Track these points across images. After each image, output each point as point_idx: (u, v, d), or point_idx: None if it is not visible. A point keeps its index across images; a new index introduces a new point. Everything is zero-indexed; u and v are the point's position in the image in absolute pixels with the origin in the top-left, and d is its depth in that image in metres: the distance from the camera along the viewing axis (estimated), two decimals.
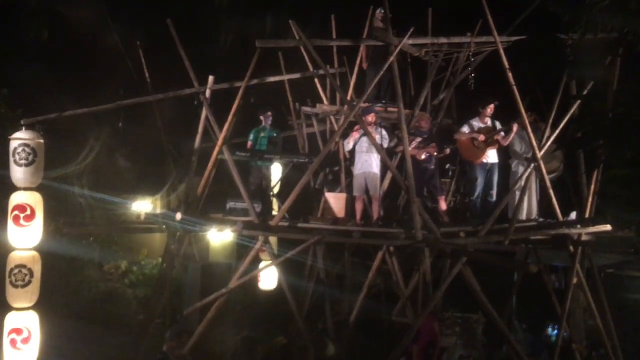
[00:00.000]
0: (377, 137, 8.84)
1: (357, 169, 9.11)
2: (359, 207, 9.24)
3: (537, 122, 9.40)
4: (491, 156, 9.29)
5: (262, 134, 10.13)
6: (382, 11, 9.23)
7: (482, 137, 9.16)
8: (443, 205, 9.35)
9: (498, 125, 9.28)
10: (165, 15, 9.23)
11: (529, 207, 9.45)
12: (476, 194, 9.34)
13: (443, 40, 9.65)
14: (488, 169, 9.33)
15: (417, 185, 8.43)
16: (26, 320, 6.49)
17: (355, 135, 9.08)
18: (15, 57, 11.23)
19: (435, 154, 9.14)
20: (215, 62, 12.26)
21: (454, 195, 10.88)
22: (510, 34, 9.48)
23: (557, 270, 11.78)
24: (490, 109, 9.26)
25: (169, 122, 10.35)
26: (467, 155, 9.44)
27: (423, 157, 9.06)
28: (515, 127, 9.12)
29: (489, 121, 9.29)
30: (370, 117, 8.97)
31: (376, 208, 9.10)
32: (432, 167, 9.19)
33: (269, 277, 9.93)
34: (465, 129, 9.33)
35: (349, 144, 9.22)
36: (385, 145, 9.06)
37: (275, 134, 10.23)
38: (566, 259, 9.62)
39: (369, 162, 8.99)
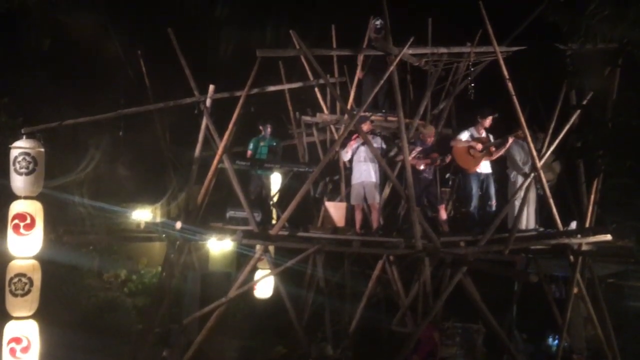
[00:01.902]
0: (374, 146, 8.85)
1: (355, 178, 9.12)
2: (358, 216, 9.24)
3: (536, 132, 9.41)
4: (484, 167, 9.29)
5: (262, 143, 10.15)
6: (378, 22, 9.25)
7: (479, 146, 9.17)
8: (443, 215, 9.34)
9: (491, 138, 9.28)
10: (165, 25, 9.27)
11: (527, 218, 9.44)
12: (472, 204, 9.35)
13: (443, 50, 9.66)
14: (482, 179, 9.32)
15: (416, 194, 8.44)
16: (26, 329, 6.49)
17: (352, 144, 9.09)
18: (17, 66, 11.25)
19: (437, 163, 9.13)
20: (215, 71, 12.30)
21: (454, 205, 10.87)
22: (510, 44, 9.50)
23: (557, 280, 11.74)
24: (489, 120, 9.27)
25: (169, 131, 10.37)
26: (462, 164, 9.43)
27: (422, 167, 9.07)
28: (510, 141, 9.12)
29: (483, 132, 9.30)
30: (365, 127, 8.96)
31: (375, 217, 9.10)
32: (431, 177, 9.19)
33: (264, 286, 9.91)
34: (463, 136, 9.33)
35: (347, 154, 9.24)
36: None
37: (275, 143, 10.24)
38: (566, 269, 9.61)
39: (367, 172, 9.00)
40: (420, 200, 8.93)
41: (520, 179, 9.44)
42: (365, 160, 8.98)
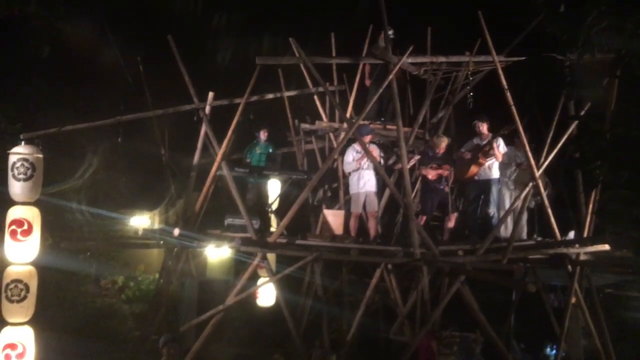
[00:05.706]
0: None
1: (359, 187, 9.12)
2: (355, 224, 9.23)
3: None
4: (483, 173, 9.29)
5: (258, 150, 10.17)
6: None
7: (467, 155, 9.24)
8: (451, 223, 9.30)
9: (496, 143, 9.27)
10: (165, 31, 9.28)
11: (507, 226, 9.40)
12: (470, 209, 9.37)
13: (442, 59, 9.70)
14: (480, 186, 9.34)
15: (429, 206, 8.46)
16: (21, 336, 6.46)
17: (359, 163, 9.07)
18: (16, 72, 11.26)
19: (448, 174, 9.10)
20: (215, 78, 12.31)
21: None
22: (508, 54, 9.53)
23: (555, 290, 11.74)
24: (476, 126, 9.32)
25: (168, 138, 10.37)
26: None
27: (432, 177, 9.06)
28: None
29: (488, 139, 9.31)
30: (367, 139, 8.96)
31: (373, 225, 9.10)
32: (442, 187, 9.13)
33: (267, 294, 9.89)
34: (464, 147, 9.41)
35: (350, 166, 9.24)
36: (382, 162, 9.12)
37: (271, 150, 10.25)
38: (565, 279, 9.59)
39: (370, 180, 9.01)
40: (430, 210, 8.98)
41: (505, 188, 9.50)
42: (369, 168, 8.99)
